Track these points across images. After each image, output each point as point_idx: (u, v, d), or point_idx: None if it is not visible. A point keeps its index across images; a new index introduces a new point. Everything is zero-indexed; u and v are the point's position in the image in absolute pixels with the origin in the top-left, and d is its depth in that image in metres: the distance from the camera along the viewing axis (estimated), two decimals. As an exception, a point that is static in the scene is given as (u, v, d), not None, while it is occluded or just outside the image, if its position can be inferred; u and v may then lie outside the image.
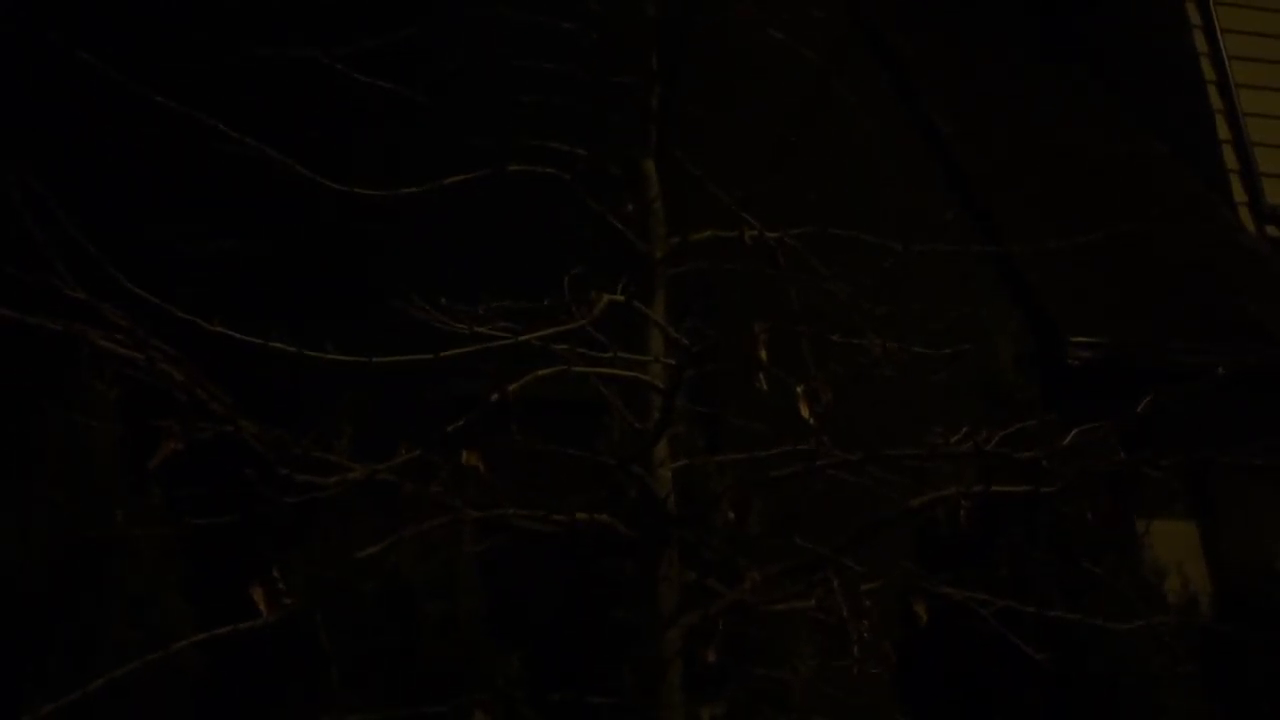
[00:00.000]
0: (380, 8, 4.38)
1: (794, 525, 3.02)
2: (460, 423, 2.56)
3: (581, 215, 3.31)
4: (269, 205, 4.13)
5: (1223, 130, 6.78)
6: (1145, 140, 7.21)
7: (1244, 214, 6.72)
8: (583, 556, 4.14)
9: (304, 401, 3.64)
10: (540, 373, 2.70)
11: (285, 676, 3.74)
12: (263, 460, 2.55)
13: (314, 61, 3.15)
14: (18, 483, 3.77)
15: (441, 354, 2.57)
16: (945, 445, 2.81)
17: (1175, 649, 4.14)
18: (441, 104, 3.81)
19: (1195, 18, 6.91)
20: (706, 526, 3.11)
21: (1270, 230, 6.74)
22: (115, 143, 4.87)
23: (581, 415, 3.69)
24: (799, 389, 2.58)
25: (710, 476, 3.26)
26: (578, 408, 3.38)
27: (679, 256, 3.33)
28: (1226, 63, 6.82)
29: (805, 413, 2.57)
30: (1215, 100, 6.81)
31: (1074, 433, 2.84)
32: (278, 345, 2.36)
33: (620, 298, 2.78)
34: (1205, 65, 6.85)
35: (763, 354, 2.58)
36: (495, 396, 2.60)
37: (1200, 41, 6.88)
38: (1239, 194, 6.70)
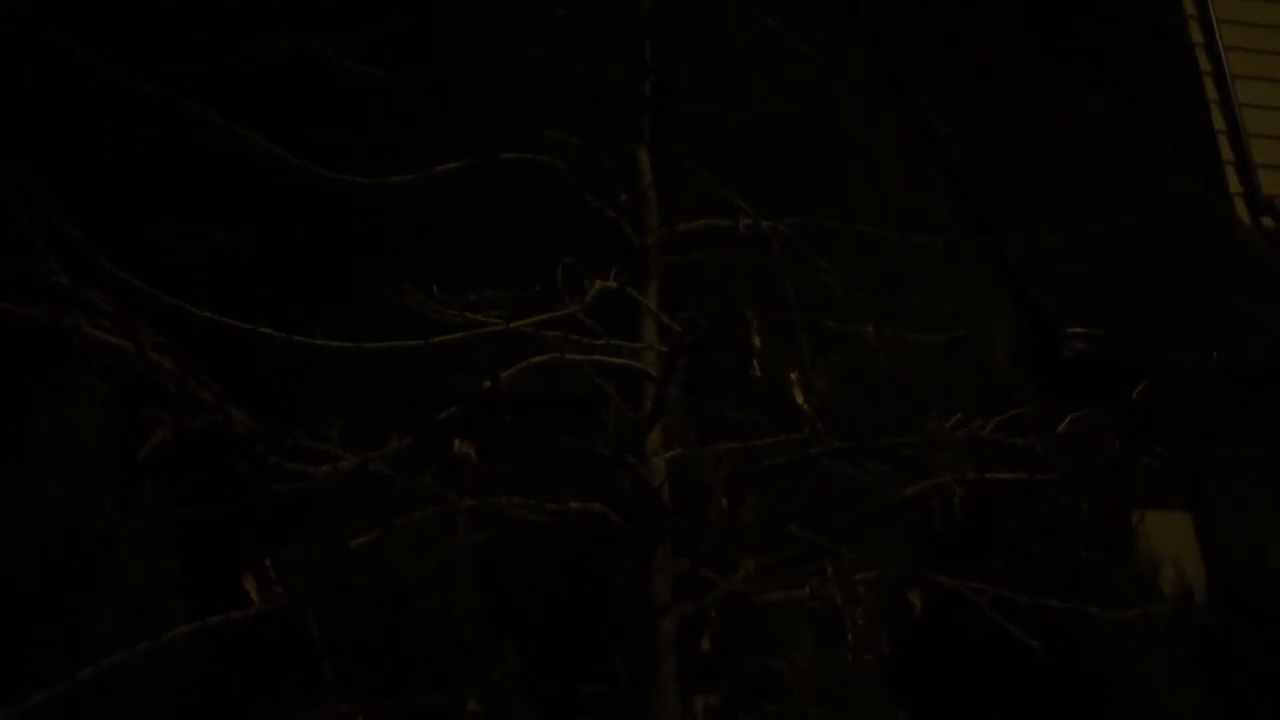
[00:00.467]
0: (374, 2, 4.36)
1: (789, 516, 3.01)
2: (453, 411, 2.55)
3: (575, 206, 3.30)
4: (260, 199, 4.12)
5: (1218, 121, 6.77)
6: (1142, 137, 7.20)
7: (1240, 206, 6.72)
8: (577, 549, 4.12)
9: (295, 395, 3.62)
10: (533, 360, 2.69)
11: (278, 672, 3.72)
12: (254, 452, 2.54)
13: (306, 54, 3.14)
14: (7, 477, 3.75)
15: (433, 340, 2.56)
16: (940, 432, 2.80)
17: (1170, 640, 4.14)
18: (434, 95, 3.80)
19: (1191, 8, 6.90)
20: (701, 517, 3.10)
21: (1266, 222, 6.74)
22: (104, 136, 4.85)
23: (575, 411, 3.68)
24: (793, 377, 2.57)
25: (705, 467, 3.25)
26: (572, 403, 3.37)
27: (672, 246, 3.32)
28: (1223, 53, 6.82)
29: (800, 400, 2.56)
30: (1211, 91, 6.80)
31: (1069, 419, 2.83)
32: (266, 331, 2.34)
33: (613, 284, 2.77)
34: (1201, 56, 6.84)
35: (757, 342, 2.57)
36: (488, 385, 2.58)
37: (1196, 32, 6.87)
38: (1235, 185, 6.69)
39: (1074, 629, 3.79)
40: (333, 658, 3.57)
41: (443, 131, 3.26)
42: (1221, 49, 6.83)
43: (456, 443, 2.65)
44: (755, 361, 2.59)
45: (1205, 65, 6.84)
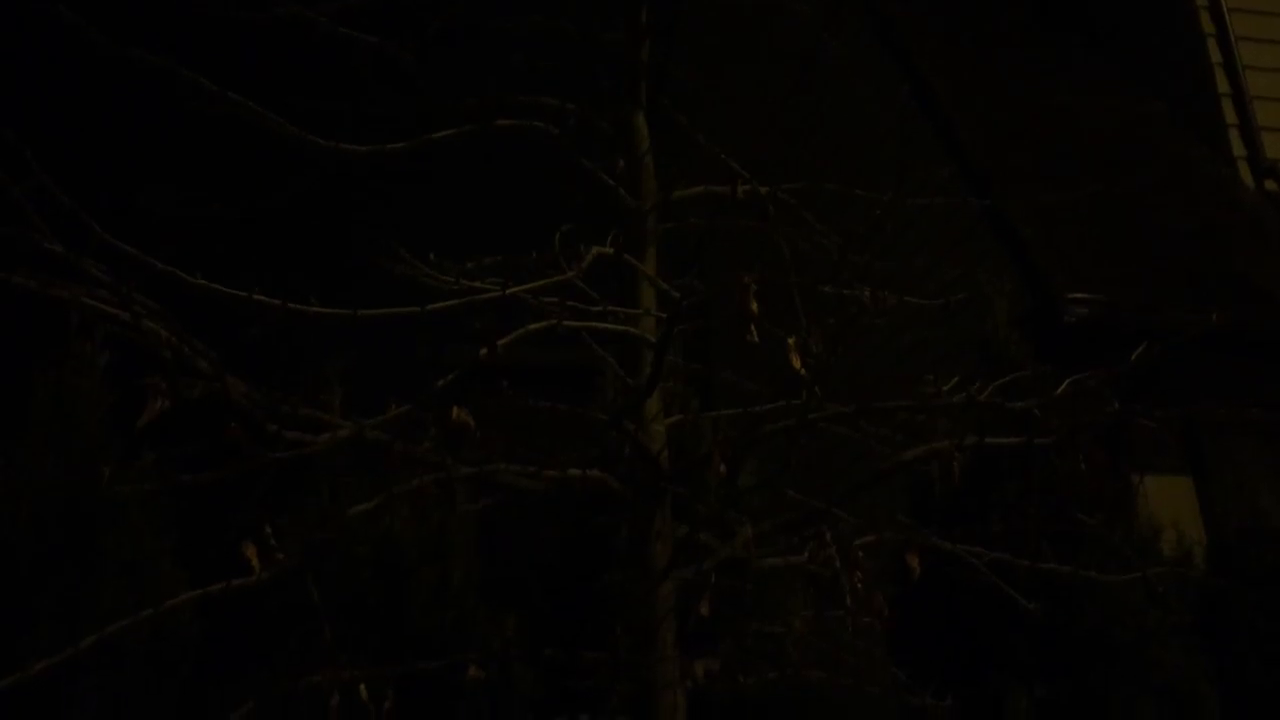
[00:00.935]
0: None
1: (787, 481, 3.01)
2: (450, 379, 2.54)
3: (572, 174, 3.28)
4: (255, 168, 4.09)
5: (1223, 84, 6.72)
6: (1145, 101, 7.15)
7: (1243, 169, 6.68)
8: (576, 517, 4.13)
9: (292, 365, 3.62)
10: (531, 327, 2.68)
11: (278, 641, 3.74)
12: (252, 421, 2.54)
13: (300, 21, 3.11)
14: (6, 449, 3.75)
15: (428, 307, 2.55)
16: (937, 395, 2.80)
17: (1169, 602, 4.15)
18: (429, 62, 3.76)
19: (1193, -30, 6.85)
20: (699, 482, 3.10)
21: (1269, 185, 6.70)
22: (96, 105, 4.82)
23: (573, 381, 3.68)
24: (790, 341, 2.56)
25: (703, 433, 3.25)
26: (569, 373, 3.36)
27: (670, 212, 3.30)
28: (1227, 16, 6.76)
29: (796, 364, 2.55)
30: (1215, 54, 6.75)
31: (1068, 382, 2.82)
32: (260, 298, 2.33)
33: (609, 250, 2.76)
34: (1205, 19, 6.78)
35: (754, 307, 2.56)
36: (485, 353, 2.58)
37: (1199, -6, 6.82)
38: (1238, 148, 6.66)
39: (1072, 591, 3.80)
40: (333, 625, 3.59)
41: (438, 98, 3.24)
42: (1225, 12, 6.77)
43: (454, 410, 2.64)
44: (752, 326, 2.58)
45: (1209, 28, 6.79)
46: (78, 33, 2.57)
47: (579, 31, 3.41)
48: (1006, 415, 3.04)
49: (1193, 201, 6.57)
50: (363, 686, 2.65)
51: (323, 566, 3.66)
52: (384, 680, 2.81)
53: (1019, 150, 6.43)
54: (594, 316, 2.90)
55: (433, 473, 2.80)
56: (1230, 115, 6.69)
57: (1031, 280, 5.71)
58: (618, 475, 3.04)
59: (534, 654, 3.68)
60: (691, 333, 3.78)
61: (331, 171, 2.95)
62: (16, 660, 2.40)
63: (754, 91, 6.09)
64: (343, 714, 2.83)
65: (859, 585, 2.79)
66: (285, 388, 2.66)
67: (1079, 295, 5.63)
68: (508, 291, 2.63)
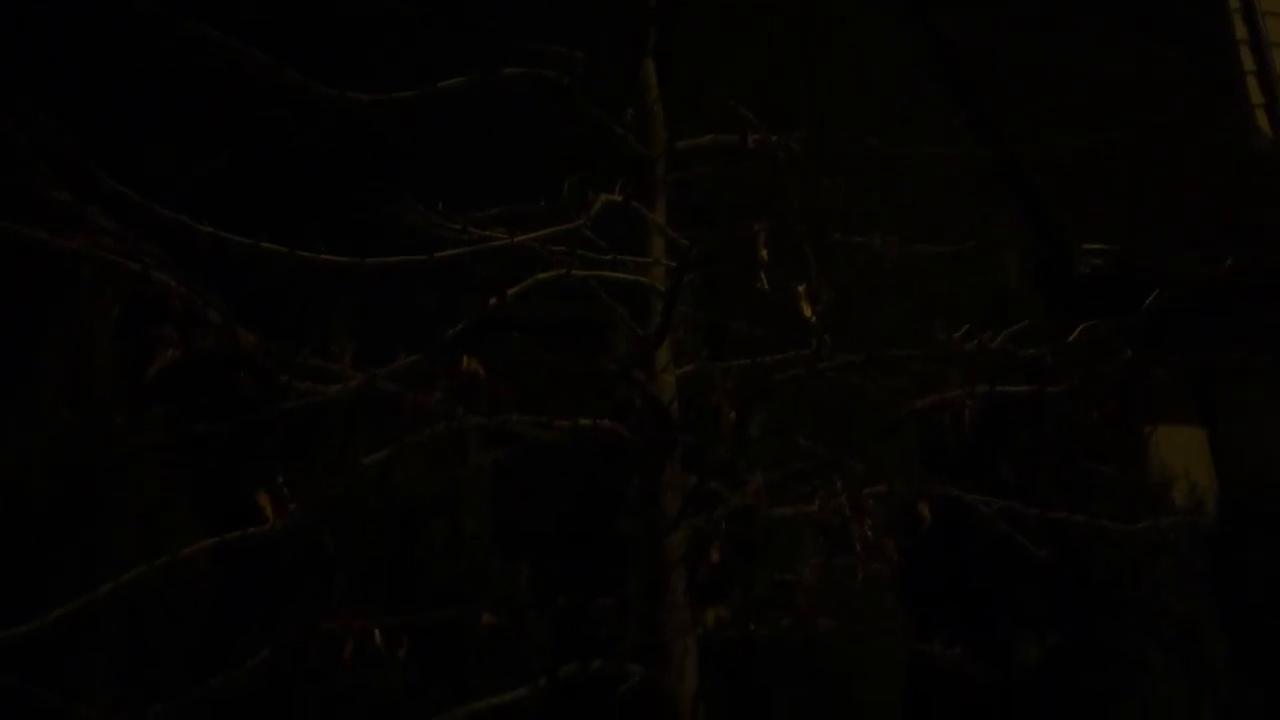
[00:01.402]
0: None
1: (798, 430, 3.02)
2: (459, 328, 2.54)
3: (580, 123, 3.25)
4: (262, 119, 4.07)
5: (1240, 30, 6.62)
6: (1161, 47, 7.05)
7: (1261, 117, 6.59)
8: (587, 468, 4.15)
9: (303, 316, 3.62)
10: (540, 276, 2.67)
11: (293, 592, 3.78)
12: (262, 371, 2.54)
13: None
14: (19, 402, 3.78)
15: (436, 254, 2.54)
16: (949, 343, 2.79)
17: (1180, 552, 4.16)
18: (436, 10, 3.73)
19: (1212, -87, 6.72)
20: (710, 432, 3.10)
21: (1286, 133, 6.62)
22: (100, 56, 4.79)
23: (584, 336, 3.68)
24: (800, 289, 2.55)
25: (713, 383, 3.24)
26: (580, 329, 3.36)
27: (679, 161, 3.27)
28: (1244, -39, 6.65)
29: (807, 312, 2.54)
30: (1232, -1, 6.65)
31: (1080, 328, 2.81)
32: (267, 245, 2.33)
33: (617, 198, 2.74)
34: (1222, -36, 6.67)
35: (764, 254, 2.55)
36: (494, 302, 2.57)
37: (1217, -60, 6.70)
38: (1256, 96, 6.57)
39: (1083, 540, 3.81)
40: (347, 578, 3.62)
41: (445, 47, 3.21)
42: (1244, -44, 6.66)
43: (465, 359, 2.64)
44: (762, 274, 2.57)
45: (1227, -27, 6.67)
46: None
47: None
48: (1019, 364, 3.03)
49: (1210, 150, 6.49)
50: (377, 633, 2.67)
51: (336, 518, 3.68)
52: (398, 629, 2.84)
53: (1033, 99, 6.36)
54: (603, 266, 2.88)
55: (444, 423, 2.80)
56: (1248, 62, 6.59)
57: (1045, 231, 5.67)
58: (628, 426, 3.05)
59: (546, 603, 3.71)
60: (702, 284, 3.77)
61: (336, 121, 2.93)
62: (35, 612, 2.42)
63: (765, 38, 6.02)
64: (357, 663, 2.86)
65: (868, 533, 2.80)
66: (296, 341, 2.67)
67: (1094, 246, 5.59)
68: (515, 240, 2.61)
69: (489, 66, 3.13)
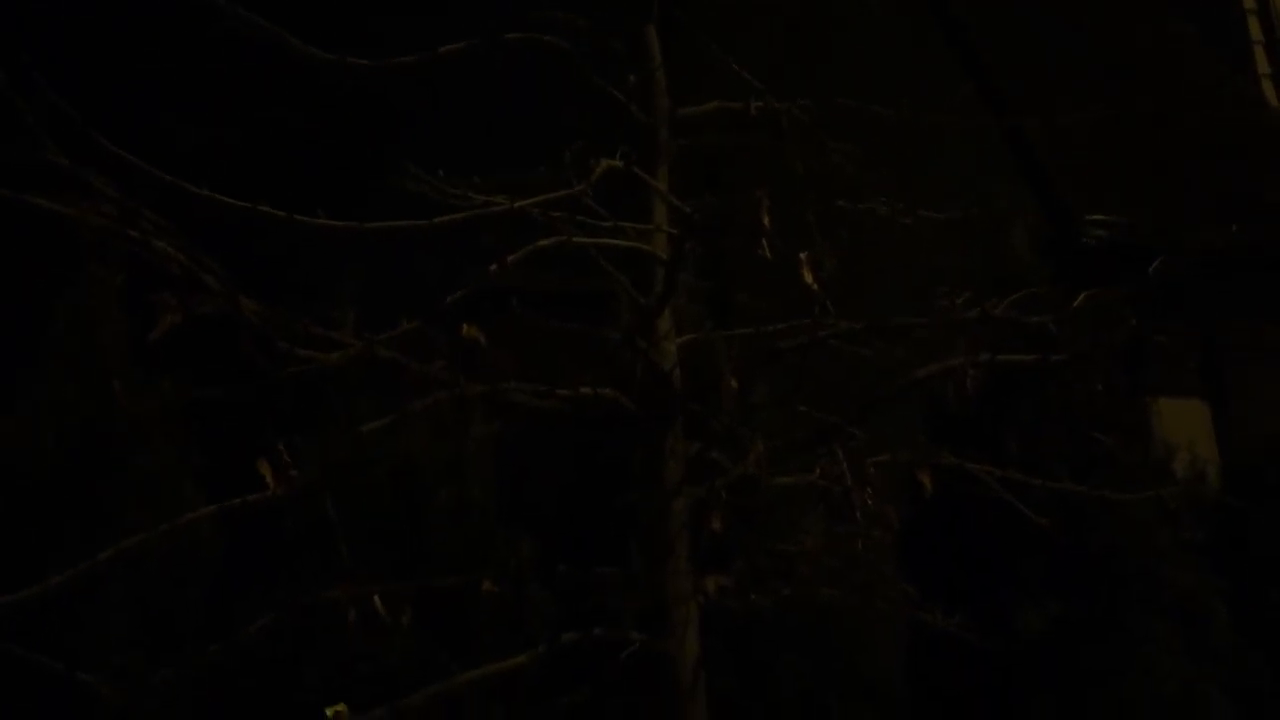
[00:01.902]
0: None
1: (800, 398, 3.01)
2: (460, 295, 2.53)
3: (583, 90, 3.23)
4: (263, 86, 4.06)
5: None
6: (1168, 17, 6.99)
7: (1267, 87, 6.54)
8: (589, 437, 4.15)
9: (303, 289, 3.62)
10: (541, 243, 2.66)
11: (297, 560, 3.79)
12: (263, 338, 2.54)
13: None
14: (26, 372, 3.78)
15: (436, 220, 2.53)
16: (951, 309, 2.77)
17: (1181, 522, 4.16)
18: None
19: (1223, -121, 6.65)
20: (712, 400, 3.10)
21: (1294, 104, 6.58)
22: (101, 23, 4.76)
23: (587, 307, 3.67)
24: (802, 256, 2.54)
25: (716, 352, 3.24)
26: (583, 300, 3.35)
27: (683, 129, 3.25)
28: (1253, -70, 6.58)
29: (809, 279, 2.53)
30: (1242, -30, 6.58)
31: (1083, 295, 2.80)
32: (265, 210, 2.32)
33: (619, 163, 2.72)
34: (1232, -67, 6.60)
35: (766, 221, 2.53)
36: (494, 269, 2.56)
37: (1227, -94, 6.63)
38: (1263, 67, 6.52)
39: (1085, 510, 3.81)
40: (350, 548, 3.63)
41: (446, 12, 3.18)
42: (1254, -77, 6.59)
43: (465, 327, 2.64)
44: (765, 241, 2.55)
45: (1237, -58, 6.61)
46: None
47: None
48: (1022, 333, 3.02)
49: (1216, 121, 6.45)
50: (378, 599, 2.68)
51: (341, 487, 3.69)
52: (402, 596, 2.85)
53: (1038, 69, 6.31)
54: (605, 233, 2.87)
55: (445, 391, 2.80)
56: (1256, 32, 6.54)
57: (1050, 202, 5.65)
58: (630, 395, 3.04)
59: (549, 572, 3.72)
60: (705, 253, 3.75)
61: (338, 88, 2.91)
62: (41, 577, 2.43)
63: (770, 9, 5.98)
64: (360, 630, 2.87)
65: (869, 501, 2.80)
66: (299, 310, 2.66)
67: (1099, 217, 5.56)
68: (516, 205, 2.60)
69: (490, 32, 3.11)
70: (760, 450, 2.92)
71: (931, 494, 3.03)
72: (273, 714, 3.55)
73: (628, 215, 3.07)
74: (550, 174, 2.74)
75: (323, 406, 3.79)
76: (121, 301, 3.83)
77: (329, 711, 2.51)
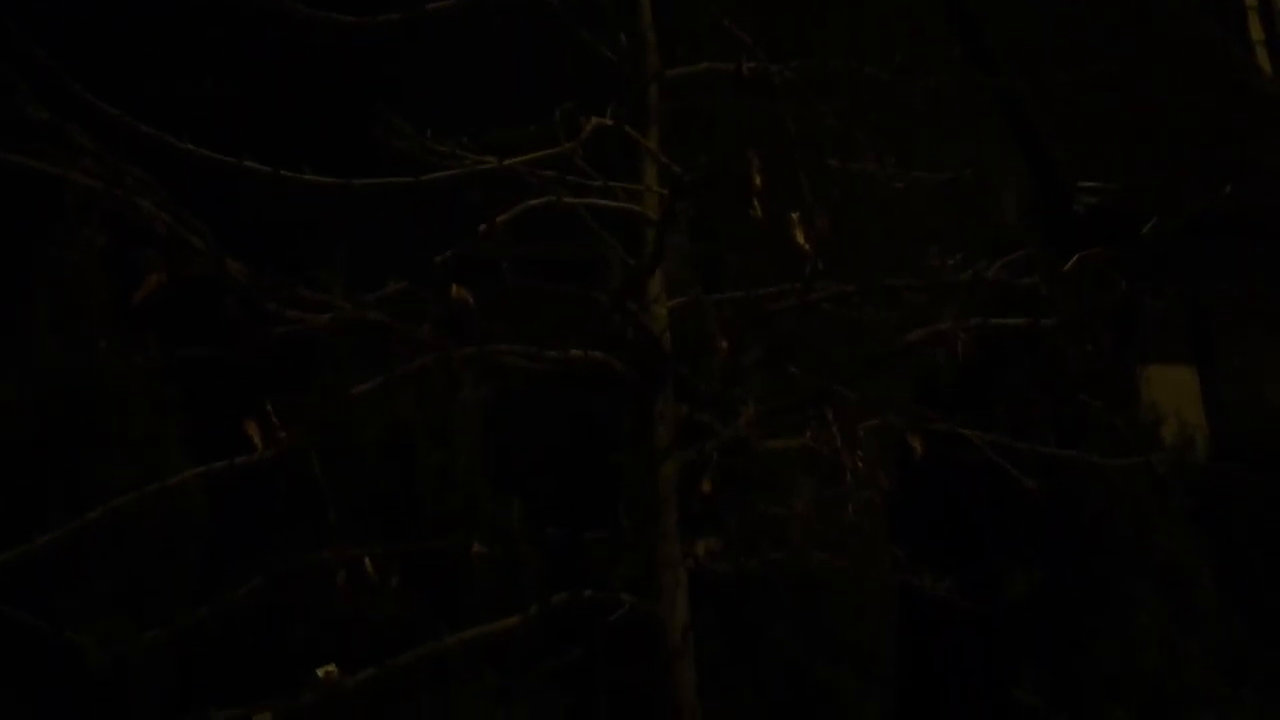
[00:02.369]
0: None
1: (791, 361, 3.00)
2: (448, 255, 2.51)
3: (572, 50, 3.19)
4: (246, 42, 4.00)
5: (1242, -35, 6.52)
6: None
7: (1261, 54, 6.52)
8: (579, 401, 4.14)
9: (292, 250, 3.59)
10: (530, 203, 2.64)
11: (285, 525, 3.78)
12: (250, 299, 2.52)
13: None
14: (7, 336, 3.75)
15: (423, 177, 2.50)
16: (942, 270, 2.76)
17: (1169, 488, 4.18)
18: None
19: None
20: (702, 362, 3.09)
21: (1287, 71, 6.55)
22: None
23: (576, 274, 3.65)
24: (794, 216, 2.52)
25: (706, 315, 3.22)
26: (572, 267, 3.33)
27: (674, 90, 3.22)
28: (1249, -107, 6.53)
29: (800, 239, 2.51)
30: (1236, -65, 6.54)
31: (1075, 258, 2.79)
32: (250, 164, 2.28)
33: (609, 121, 2.69)
34: (1227, -105, 6.55)
35: (757, 181, 2.51)
36: (484, 229, 2.54)
37: None
38: (1256, 32, 6.49)
39: (1073, 476, 3.82)
40: (338, 511, 3.62)
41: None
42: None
43: (454, 287, 2.61)
44: (756, 201, 2.53)
45: (1231, -96, 6.56)
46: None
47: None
48: (1013, 296, 3.01)
49: (1209, 87, 6.43)
50: (368, 560, 2.67)
51: (329, 451, 3.67)
52: (391, 558, 2.84)
53: (1031, 33, 6.27)
54: (595, 194, 2.84)
55: (434, 353, 2.78)
56: (1249, -4, 6.51)
57: (1042, 168, 5.63)
58: (620, 357, 3.03)
59: (538, 536, 3.72)
60: (696, 217, 3.73)
61: (324, 45, 2.87)
62: (25, 539, 2.41)
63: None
64: (349, 593, 2.86)
65: (860, 464, 2.79)
66: (286, 273, 2.64)
67: (1090, 184, 5.55)
68: (505, 163, 2.57)
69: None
70: (751, 413, 2.91)
71: (921, 459, 3.03)
72: (261, 676, 3.55)
73: (618, 179, 3.05)
74: (539, 130, 2.71)
75: (312, 371, 3.77)
76: (105, 264, 3.79)
77: (319, 671, 2.50)
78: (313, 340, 3.37)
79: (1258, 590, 4.66)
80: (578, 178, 2.78)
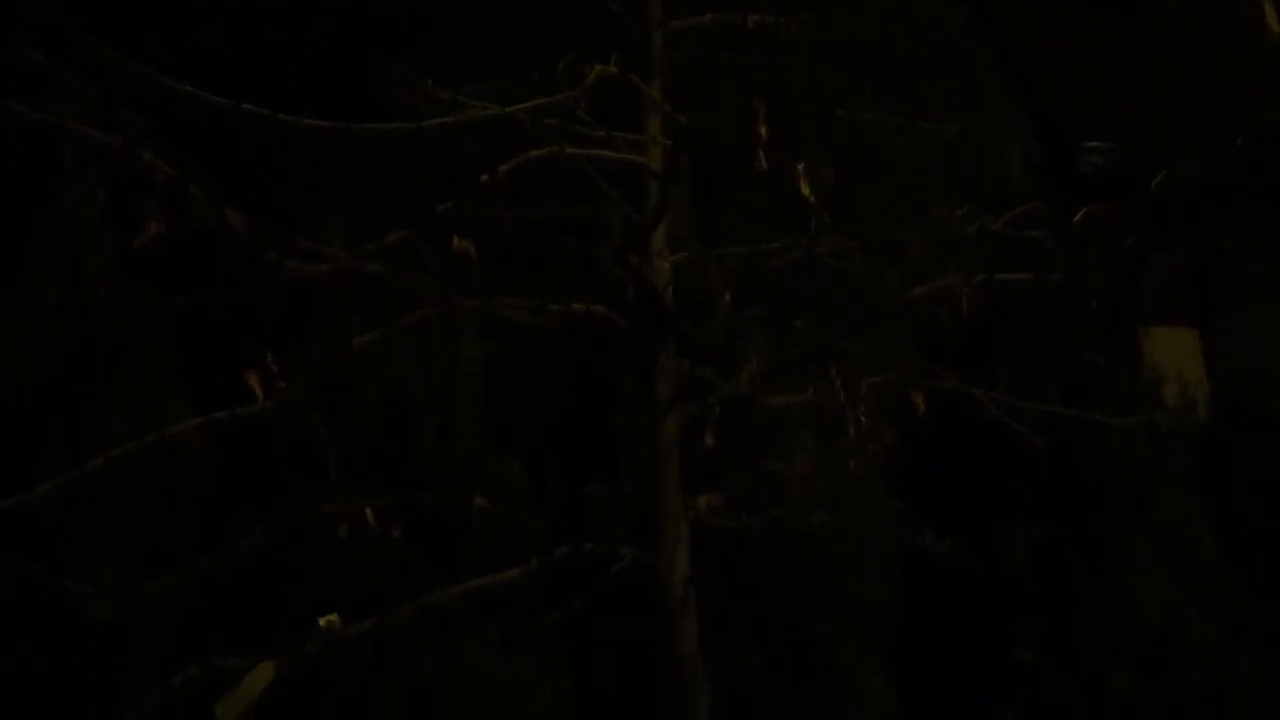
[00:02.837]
0: None
1: (794, 316, 2.98)
2: (450, 205, 2.49)
3: (577, 3, 3.15)
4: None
5: (1253, -78, 6.42)
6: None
7: (1269, 12, 6.43)
8: (581, 356, 4.13)
9: (294, 200, 3.56)
10: (532, 153, 2.61)
11: (286, 477, 3.78)
12: (250, 250, 2.50)
13: None
14: (8, 285, 3.73)
15: (423, 123, 2.47)
16: (947, 222, 2.74)
17: (1169, 447, 4.18)
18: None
19: None
20: (705, 316, 3.07)
21: (1296, 30, 6.47)
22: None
23: (579, 229, 3.62)
24: (799, 168, 2.49)
25: (709, 269, 3.20)
26: (575, 227, 3.30)
27: (678, 43, 3.18)
28: None
29: (805, 191, 2.49)
30: (1248, -111, 6.43)
31: (1082, 212, 2.76)
32: (249, 108, 2.26)
33: (613, 69, 2.65)
34: None
35: (762, 131, 2.48)
36: (485, 179, 2.51)
37: None
38: (1266, -10, 6.40)
39: (1075, 434, 3.82)
40: (340, 469, 3.62)
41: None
42: None
43: (456, 239, 2.60)
44: (760, 152, 2.51)
45: None
46: None
47: None
48: (1018, 251, 2.99)
49: (1216, 47, 6.35)
50: (369, 512, 2.67)
51: (330, 406, 3.67)
52: (392, 510, 2.84)
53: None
54: (597, 145, 2.81)
55: (436, 305, 2.77)
56: (1261, -46, 6.41)
57: (1047, 128, 5.58)
58: (622, 312, 3.01)
59: (540, 490, 3.72)
60: (700, 172, 3.69)
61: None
62: (26, 489, 2.41)
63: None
64: (351, 546, 2.86)
65: (862, 419, 2.79)
66: (287, 225, 2.62)
67: (1095, 144, 5.51)
68: (507, 109, 2.54)
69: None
70: (753, 368, 2.90)
71: (923, 416, 3.03)
72: (263, 627, 3.57)
73: (620, 126, 3.01)
74: (541, 78, 2.68)
75: (313, 323, 3.76)
76: (104, 216, 3.76)
77: (322, 621, 2.51)
78: (314, 294, 3.36)
79: (1257, 551, 4.67)
80: (580, 128, 2.75)
